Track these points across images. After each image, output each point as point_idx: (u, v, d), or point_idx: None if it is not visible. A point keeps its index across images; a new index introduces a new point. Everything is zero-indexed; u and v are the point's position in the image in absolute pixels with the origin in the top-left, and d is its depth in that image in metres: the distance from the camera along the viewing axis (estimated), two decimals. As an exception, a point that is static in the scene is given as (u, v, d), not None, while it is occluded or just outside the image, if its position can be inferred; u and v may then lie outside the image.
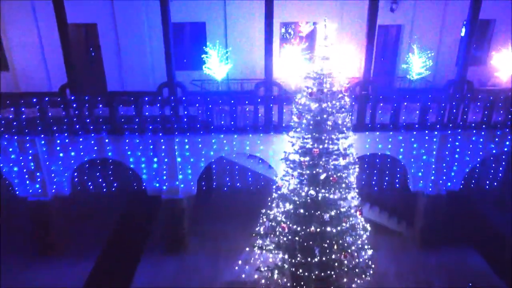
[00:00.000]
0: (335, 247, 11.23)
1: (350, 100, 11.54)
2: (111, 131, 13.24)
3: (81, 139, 13.26)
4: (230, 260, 14.52)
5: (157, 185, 13.92)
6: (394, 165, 14.70)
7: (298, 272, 11.47)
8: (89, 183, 14.23)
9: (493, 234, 15.87)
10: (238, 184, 14.89)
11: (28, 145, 13.24)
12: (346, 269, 11.41)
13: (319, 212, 11.03)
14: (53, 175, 13.72)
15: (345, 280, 11.80)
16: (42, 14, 16.04)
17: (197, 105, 13.29)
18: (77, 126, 13.06)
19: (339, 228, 11.19)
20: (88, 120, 13.07)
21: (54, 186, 13.88)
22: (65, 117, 13.08)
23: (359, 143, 13.30)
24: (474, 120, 13.60)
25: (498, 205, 16.90)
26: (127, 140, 13.32)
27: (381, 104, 13.34)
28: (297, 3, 16.09)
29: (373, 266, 12.05)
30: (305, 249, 11.28)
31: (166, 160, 13.56)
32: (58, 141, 13.29)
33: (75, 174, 13.92)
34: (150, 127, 13.22)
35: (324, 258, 11.15)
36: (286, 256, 11.69)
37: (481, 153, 13.84)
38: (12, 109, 12.90)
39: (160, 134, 13.27)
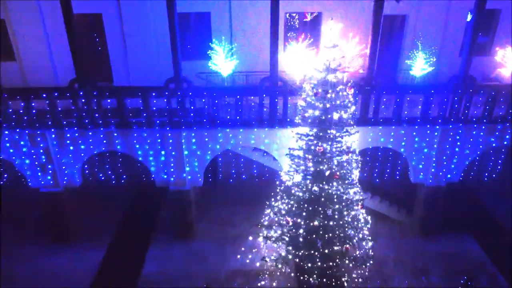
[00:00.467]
0: (337, 239, 11.73)
1: (354, 96, 11.81)
2: (120, 125, 13.55)
3: (90, 133, 13.58)
4: (235, 247, 15.13)
5: (165, 176, 14.34)
6: (395, 157, 15.03)
7: (302, 263, 12.03)
8: (99, 175, 14.64)
9: (491, 223, 16.36)
10: (243, 176, 15.28)
11: (39, 138, 13.58)
12: (347, 261, 11.92)
13: (322, 207, 11.46)
14: (64, 167, 14.13)
15: (346, 269, 12.37)
16: (47, 3, 16.02)
17: (203, 100, 13.52)
18: (86, 121, 13.35)
19: (341, 222, 11.65)
20: (97, 115, 13.35)
21: (65, 178, 14.31)
22: (75, 111, 13.36)
23: (362, 136, 13.63)
24: (475, 115, 13.84)
25: (497, 196, 17.29)
26: (135, 134, 13.64)
27: (384, 99, 13.54)
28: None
29: (373, 255, 12.59)
30: (308, 241, 11.77)
31: (173, 153, 13.92)
32: (68, 135, 13.62)
33: (85, 166, 14.30)
34: (158, 121, 13.53)
35: (326, 251, 11.66)
36: (290, 248, 12.21)
37: (481, 146, 14.14)
38: (22, 104, 13.15)
39: (168, 128, 13.58)
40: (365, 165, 15.17)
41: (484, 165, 15.27)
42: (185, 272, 14.05)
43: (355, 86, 13.20)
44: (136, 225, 16.00)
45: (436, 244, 15.31)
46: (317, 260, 11.73)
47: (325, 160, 11.19)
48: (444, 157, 14.22)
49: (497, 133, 13.96)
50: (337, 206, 11.48)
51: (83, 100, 13.19)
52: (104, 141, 13.73)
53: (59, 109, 13.38)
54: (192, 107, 13.39)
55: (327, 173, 11.24)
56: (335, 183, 11.36)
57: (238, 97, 13.16)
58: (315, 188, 11.39)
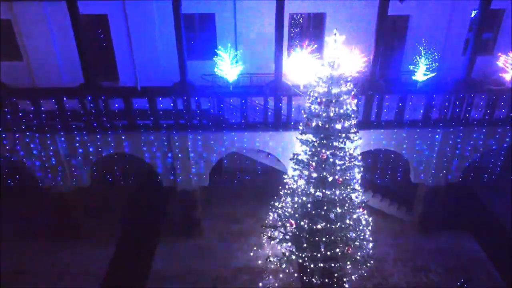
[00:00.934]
0: (340, 242, 12.16)
1: (356, 99, 12.08)
2: (127, 128, 13.87)
3: (98, 136, 13.91)
4: (241, 244, 15.66)
5: (172, 177, 14.74)
6: (397, 158, 15.36)
7: (305, 264, 12.51)
8: (108, 176, 15.05)
9: (489, 222, 16.81)
10: (247, 176, 15.70)
11: (49, 142, 13.93)
12: (348, 262, 12.38)
13: (325, 211, 11.85)
14: (73, 168, 14.53)
15: (348, 268, 12.86)
16: (53, 3, 16.12)
17: (209, 104, 13.79)
18: (95, 124, 13.67)
19: (343, 225, 12.06)
20: (104, 119, 13.65)
21: (75, 179, 14.72)
22: (83, 115, 13.67)
23: (364, 139, 13.91)
24: (476, 117, 14.09)
25: (495, 196, 17.72)
26: (142, 137, 13.97)
27: (387, 103, 13.79)
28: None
29: (373, 256, 13.06)
30: (311, 244, 12.22)
31: (179, 155, 14.26)
32: (77, 138, 13.96)
33: (94, 167, 14.70)
34: (164, 124, 13.83)
35: (329, 253, 12.11)
36: (294, 249, 12.67)
37: (481, 148, 14.44)
38: (32, 108, 13.46)
39: (174, 131, 13.90)
40: (367, 166, 15.49)
41: (483, 166, 15.58)
42: (192, 268, 14.59)
43: (357, 89, 13.53)
44: (144, 223, 16.53)
45: (435, 241, 15.78)
46: (320, 261, 12.20)
47: (328, 166, 11.53)
48: (445, 159, 14.55)
49: (497, 135, 14.23)
50: (339, 210, 11.87)
51: (91, 105, 13.47)
52: (112, 144, 14.08)
53: (68, 112, 13.68)
54: (198, 111, 13.69)
55: (330, 179, 11.59)
56: (337, 189, 11.73)
57: (243, 101, 13.43)
58: (318, 193, 11.76)
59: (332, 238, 12.11)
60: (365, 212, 12.64)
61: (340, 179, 11.62)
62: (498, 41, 17.94)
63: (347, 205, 12.03)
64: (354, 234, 12.36)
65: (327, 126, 11.21)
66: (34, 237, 15.89)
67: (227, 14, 16.46)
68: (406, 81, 14.34)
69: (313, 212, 11.97)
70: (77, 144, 13.95)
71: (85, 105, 13.52)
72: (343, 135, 11.36)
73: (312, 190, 11.85)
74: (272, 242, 13.20)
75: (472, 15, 16.96)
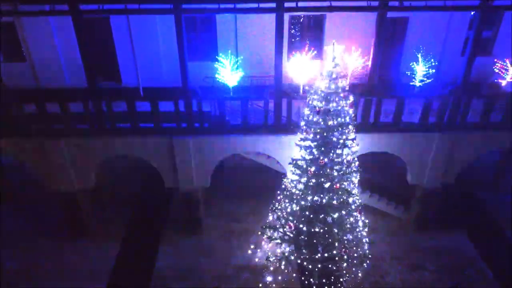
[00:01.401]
0: (337, 244, 12.59)
1: (355, 103, 12.35)
2: (130, 132, 14.19)
3: (102, 139, 14.24)
4: (241, 242, 16.13)
5: (174, 179, 15.11)
6: (394, 160, 15.67)
7: (304, 264, 12.98)
8: (111, 177, 15.45)
9: (483, 222, 17.20)
10: (248, 177, 16.10)
11: (53, 145, 14.24)
12: (345, 264, 12.83)
13: (322, 215, 12.25)
14: (77, 171, 14.88)
15: (345, 269, 13.31)
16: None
17: (210, 107, 14.06)
18: (97, 127, 13.99)
19: (340, 228, 12.46)
20: (108, 123, 13.97)
21: (81, 180, 15.11)
22: (87, 119, 13.96)
23: (362, 142, 14.24)
24: (472, 122, 14.36)
25: (492, 196, 18.05)
26: (145, 140, 14.27)
27: (384, 108, 14.05)
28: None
29: (370, 255, 13.50)
30: (310, 246, 12.66)
31: (181, 158, 14.59)
32: (81, 141, 14.28)
33: (98, 169, 15.07)
34: (166, 128, 14.13)
35: (326, 254, 12.56)
36: (293, 250, 13.12)
37: (477, 152, 14.73)
38: (37, 112, 13.78)
39: (176, 135, 14.20)
40: (365, 167, 15.84)
41: (479, 168, 15.91)
42: (195, 267, 15.08)
43: (355, 94, 13.78)
44: (147, 223, 16.96)
45: (431, 240, 16.20)
46: (318, 262, 12.66)
47: (326, 173, 11.87)
48: (441, 162, 14.86)
49: (493, 139, 14.50)
50: (337, 214, 12.27)
51: (95, 109, 13.77)
52: (115, 147, 14.41)
53: (72, 116, 13.98)
54: (199, 115, 13.98)
55: (328, 185, 11.95)
56: (335, 194, 12.10)
57: (243, 106, 13.70)
58: (316, 198, 12.13)
59: (330, 240, 12.54)
60: (362, 214, 13.05)
61: (338, 185, 11.98)
62: (498, 41, 18.07)
63: (344, 209, 12.42)
64: (351, 236, 12.80)
65: (324, 134, 11.51)
66: (40, 237, 16.37)
67: (228, 15, 16.59)
68: (405, 82, 14.54)
69: (311, 216, 12.37)
70: (81, 147, 14.28)
71: (89, 110, 13.80)
72: (341, 141, 11.70)
73: (310, 195, 12.22)
74: (271, 243, 13.68)
75: (472, 13, 17.03)
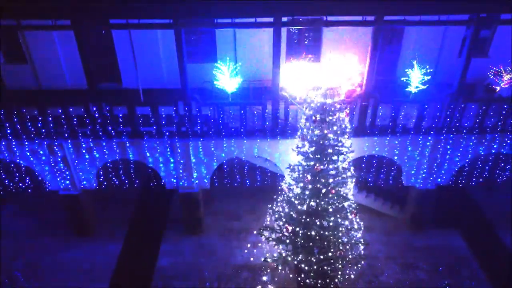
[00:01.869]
0: (333, 246, 13.00)
1: (351, 109, 12.62)
2: (131, 136, 14.49)
3: (104, 143, 14.55)
4: (240, 241, 16.58)
5: (174, 180, 15.47)
6: (389, 162, 15.98)
7: (300, 266, 13.42)
8: (113, 179, 15.81)
9: (476, 221, 17.61)
10: (246, 178, 16.45)
11: (56, 148, 14.58)
12: (340, 266, 13.26)
13: (318, 219, 12.63)
14: (80, 173, 15.26)
15: (340, 269, 13.75)
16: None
17: (209, 112, 14.32)
18: (100, 133, 14.28)
19: (336, 232, 12.86)
20: (110, 129, 14.25)
21: (83, 182, 15.48)
22: (89, 124, 14.23)
23: (359, 146, 14.58)
24: (466, 125, 14.62)
25: (485, 197, 18.48)
26: (146, 144, 14.59)
27: (380, 113, 14.31)
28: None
29: (365, 256, 13.95)
30: (306, 248, 13.07)
31: (181, 160, 14.94)
32: (84, 145, 14.60)
33: (100, 171, 15.42)
34: (167, 132, 14.42)
35: (322, 256, 12.98)
36: (289, 252, 13.55)
37: (469, 155, 15.04)
38: (40, 118, 14.06)
39: (176, 138, 14.50)
40: (361, 169, 16.19)
41: (472, 170, 16.24)
42: (195, 265, 15.55)
43: (352, 100, 14.03)
44: (149, 223, 17.39)
45: (425, 239, 16.63)
46: (314, 264, 13.09)
47: (322, 179, 12.21)
48: (435, 164, 15.19)
49: (485, 142, 14.80)
50: (332, 218, 12.65)
51: (96, 114, 14.04)
52: (117, 150, 14.73)
53: (74, 119, 14.24)
54: (198, 119, 14.25)
55: (324, 190, 12.29)
56: (331, 199, 12.45)
57: (242, 111, 13.97)
58: (312, 203, 12.50)
59: (325, 243, 12.95)
60: (357, 217, 13.44)
61: (333, 190, 12.33)
62: (494, 42, 18.18)
63: (340, 213, 12.79)
64: (346, 239, 13.21)
65: (321, 142, 11.81)
66: (44, 236, 16.83)
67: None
68: (401, 84, 14.74)
69: (308, 220, 12.75)
70: (83, 150, 14.60)
71: (91, 114, 14.06)
72: (337, 149, 12.00)
73: (306, 199, 12.58)
74: (270, 243, 14.11)
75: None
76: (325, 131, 11.69)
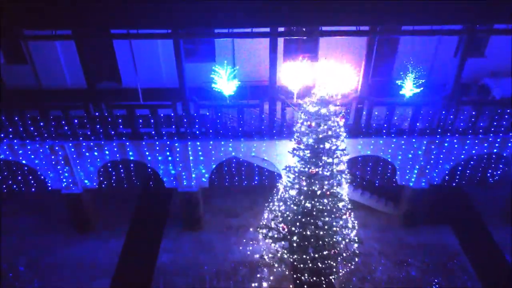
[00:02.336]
0: (327, 245, 13.43)
1: (347, 110, 12.95)
2: (131, 137, 14.80)
3: (104, 144, 14.86)
4: (238, 238, 17.05)
5: (174, 180, 15.84)
6: (384, 162, 16.34)
7: (295, 263, 13.89)
8: (114, 178, 16.20)
9: (469, 218, 18.06)
10: (244, 177, 16.85)
11: (57, 148, 14.90)
12: (334, 264, 13.71)
13: (313, 219, 13.03)
14: (82, 173, 15.61)
15: (335, 266, 14.23)
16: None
17: (207, 113, 14.62)
18: (101, 136, 14.60)
19: (330, 231, 13.28)
20: (110, 130, 14.55)
21: (85, 181, 15.85)
22: (89, 124, 14.54)
23: (354, 146, 14.93)
24: (459, 127, 14.94)
25: (479, 194, 18.86)
26: (145, 144, 14.90)
27: (376, 113, 14.61)
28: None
29: (359, 253, 14.40)
30: (301, 247, 13.50)
31: (180, 161, 15.27)
32: (84, 144, 14.92)
33: (101, 171, 15.79)
34: (165, 133, 14.73)
35: (317, 255, 13.42)
36: (285, 251, 13.99)
37: (462, 156, 15.39)
38: (41, 123, 14.39)
39: (175, 139, 14.82)
40: (356, 169, 16.57)
41: (465, 170, 16.61)
42: (195, 262, 16.00)
43: (348, 103, 14.34)
44: (149, 220, 17.82)
45: (418, 236, 17.09)
46: (309, 262, 13.55)
47: (317, 181, 12.57)
48: (429, 165, 15.54)
49: (478, 142, 15.12)
50: (327, 218, 13.05)
51: (96, 114, 14.34)
52: (117, 151, 15.06)
53: (75, 120, 14.54)
54: (197, 120, 14.57)
55: (319, 192, 12.67)
56: (326, 200, 12.84)
57: (240, 116, 14.28)
58: (308, 204, 12.88)
59: (320, 242, 13.38)
60: (351, 216, 13.84)
61: (328, 192, 12.71)
62: (491, 41, 18.32)
63: (334, 213, 13.19)
64: (340, 238, 13.64)
65: (316, 146, 12.13)
66: (48, 232, 17.28)
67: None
68: (397, 85, 14.99)
69: (303, 219, 13.15)
70: (84, 150, 14.93)
71: (91, 116, 14.35)
72: (332, 152, 12.33)
73: (302, 200, 12.97)
74: (267, 240, 14.54)
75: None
76: (320, 136, 12.02)
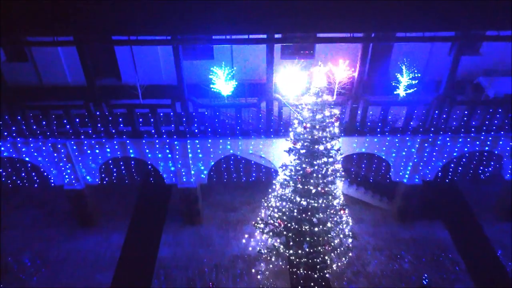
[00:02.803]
0: (322, 241, 13.90)
1: (342, 109, 13.27)
2: (132, 135, 15.14)
3: (105, 142, 15.21)
4: (236, 232, 17.51)
5: (173, 177, 16.23)
6: (378, 159, 16.73)
7: (291, 258, 14.38)
8: (115, 175, 16.60)
9: (461, 213, 18.47)
10: (243, 173, 17.26)
11: (59, 146, 15.26)
12: (329, 260, 14.19)
13: (309, 216, 13.47)
14: (84, 169, 16.00)
15: (329, 260, 14.73)
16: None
17: (206, 112, 14.94)
18: (102, 134, 14.94)
19: (325, 228, 13.74)
20: (112, 130, 14.88)
21: (87, 177, 16.25)
22: (91, 125, 14.87)
23: (349, 144, 15.29)
24: (452, 127, 15.28)
25: (472, 190, 19.25)
26: (145, 142, 15.25)
27: (371, 113, 14.93)
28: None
29: (353, 248, 14.89)
30: (297, 243, 13.98)
31: (180, 158, 15.64)
32: (86, 142, 15.26)
33: (103, 168, 16.17)
34: (165, 131, 15.07)
35: (312, 250, 13.90)
36: (282, 246, 14.47)
37: (455, 153, 15.77)
38: (43, 122, 14.72)
39: (174, 137, 15.17)
40: (351, 166, 16.96)
41: (457, 167, 17.01)
42: (194, 256, 16.49)
43: (343, 102, 14.64)
44: (150, 215, 18.24)
45: (411, 230, 17.58)
46: (304, 256, 14.03)
47: (312, 180, 12.96)
48: (422, 162, 15.94)
49: (471, 140, 15.48)
50: (322, 215, 13.50)
51: (97, 113, 14.66)
52: (118, 148, 15.41)
53: (77, 119, 14.87)
54: (196, 119, 14.89)
55: (314, 191, 13.08)
56: (321, 197, 13.25)
57: (238, 115, 14.60)
58: (303, 202, 13.31)
59: (315, 237, 13.84)
60: (346, 212, 14.27)
61: (323, 190, 13.12)
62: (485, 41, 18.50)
63: (329, 210, 13.63)
64: (335, 234, 14.10)
65: (311, 147, 12.50)
66: (52, 226, 17.75)
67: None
68: (391, 90, 15.29)
69: (299, 216, 13.60)
70: (85, 148, 15.29)
71: (92, 115, 14.67)
72: (327, 152, 12.71)
73: (297, 198, 13.39)
74: (264, 236, 15.01)
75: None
76: (316, 137, 12.37)
